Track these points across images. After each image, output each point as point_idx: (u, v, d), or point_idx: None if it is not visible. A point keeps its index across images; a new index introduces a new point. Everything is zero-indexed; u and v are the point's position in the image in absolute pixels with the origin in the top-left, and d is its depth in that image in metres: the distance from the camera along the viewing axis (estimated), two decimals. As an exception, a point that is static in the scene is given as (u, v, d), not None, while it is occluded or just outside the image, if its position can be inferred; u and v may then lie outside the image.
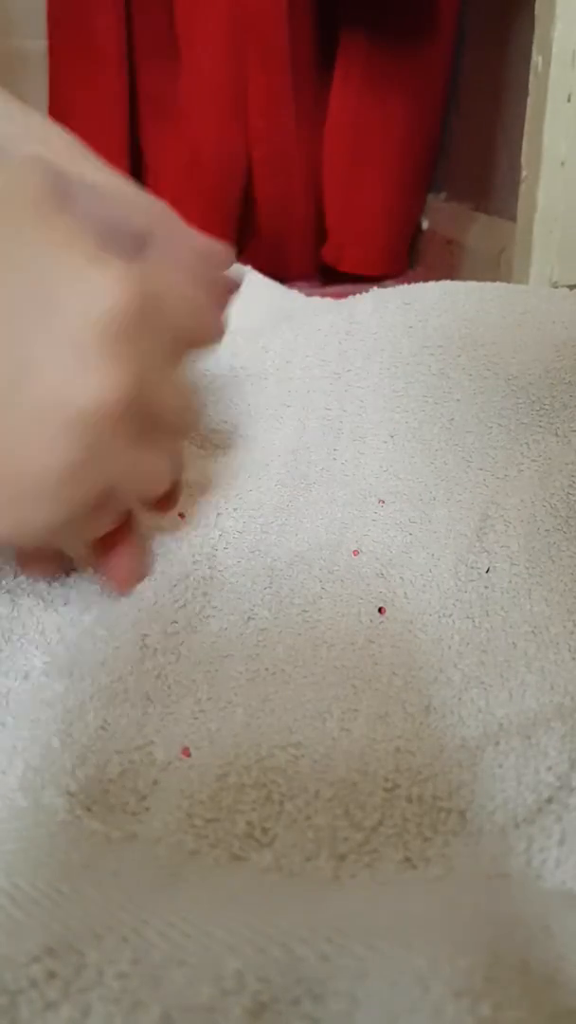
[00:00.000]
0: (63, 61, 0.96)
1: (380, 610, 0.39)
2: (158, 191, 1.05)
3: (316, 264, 1.09)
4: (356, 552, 0.43)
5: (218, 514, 0.46)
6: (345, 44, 0.99)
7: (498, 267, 0.89)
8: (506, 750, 0.31)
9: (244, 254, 1.04)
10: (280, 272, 0.98)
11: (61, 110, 0.98)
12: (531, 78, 0.76)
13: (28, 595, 0.39)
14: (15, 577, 0.40)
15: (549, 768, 0.30)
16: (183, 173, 0.99)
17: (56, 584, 0.40)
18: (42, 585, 0.39)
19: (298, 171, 1.03)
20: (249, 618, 0.39)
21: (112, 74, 0.96)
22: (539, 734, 0.32)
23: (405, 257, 1.11)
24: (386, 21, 0.98)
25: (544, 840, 0.28)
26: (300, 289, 0.89)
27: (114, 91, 0.96)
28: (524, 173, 0.78)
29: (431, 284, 0.58)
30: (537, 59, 0.75)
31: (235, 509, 0.46)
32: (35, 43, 0.97)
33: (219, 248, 0.40)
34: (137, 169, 1.01)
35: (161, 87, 0.98)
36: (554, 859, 0.28)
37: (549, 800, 0.29)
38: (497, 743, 0.32)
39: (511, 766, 0.31)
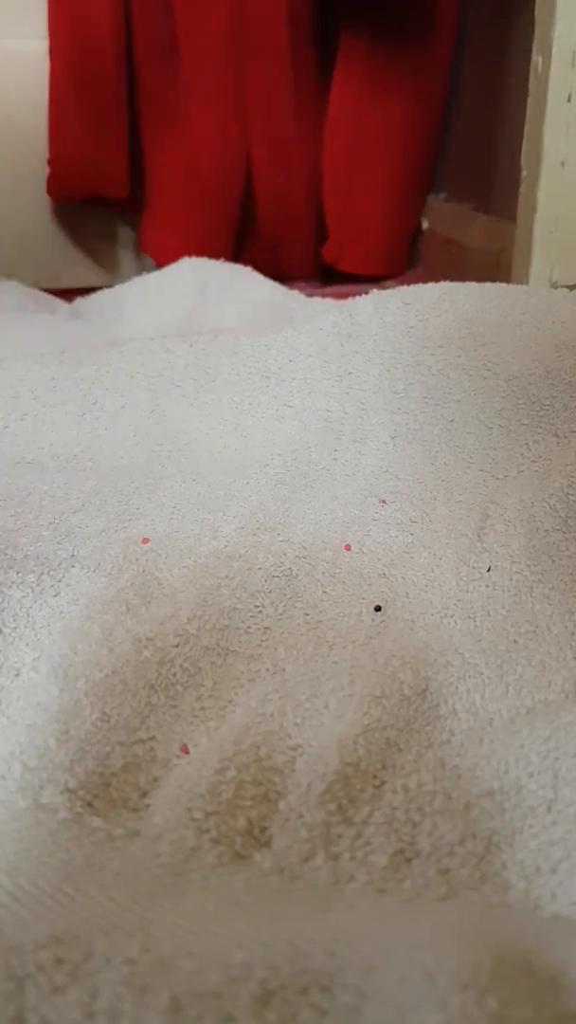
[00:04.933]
0: (63, 61, 0.96)
1: (376, 608, 0.40)
2: (158, 192, 1.05)
3: (316, 264, 1.09)
4: (348, 547, 0.43)
5: (218, 514, 0.46)
6: (345, 43, 0.99)
7: (498, 267, 0.89)
8: (488, 752, 0.31)
9: (244, 254, 1.04)
10: (280, 272, 0.98)
11: (60, 111, 0.98)
12: (531, 78, 0.76)
13: (18, 587, 0.39)
14: (4, 570, 0.40)
15: (531, 775, 0.30)
16: (183, 174, 0.99)
17: (46, 576, 0.40)
18: (32, 577, 0.39)
19: (298, 171, 1.03)
20: (253, 616, 0.39)
21: (112, 75, 0.96)
22: (523, 734, 0.32)
23: (405, 257, 1.11)
24: (386, 21, 0.98)
25: (541, 862, 0.28)
26: (300, 289, 0.89)
27: (113, 91, 0.96)
28: (524, 173, 0.78)
29: (431, 284, 0.58)
30: (537, 59, 0.75)
31: (235, 513, 0.46)
32: (36, 43, 0.97)
33: None
34: (137, 170, 1.01)
35: (161, 88, 0.98)
36: (550, 890, 0.28)
37: (534, 811, 0.29)
38: (481, 740, 0.32)
39: (492, 768, 0.31)
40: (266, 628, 0.38)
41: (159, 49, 0.97)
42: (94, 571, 0.40)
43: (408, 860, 0.28)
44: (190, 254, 0.90)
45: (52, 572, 0.40)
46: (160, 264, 0.98)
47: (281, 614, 0.39)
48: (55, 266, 1.03)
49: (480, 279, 0.59)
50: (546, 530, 0.43)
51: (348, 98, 1.01)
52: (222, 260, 0.90)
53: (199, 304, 0.81)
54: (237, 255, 1.03)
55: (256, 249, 1.05)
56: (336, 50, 1.01)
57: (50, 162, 0.99)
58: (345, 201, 1.05)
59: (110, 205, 1.02)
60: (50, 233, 1.03)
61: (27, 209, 1.01)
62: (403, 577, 0.42)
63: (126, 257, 1.08)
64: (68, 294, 0.94)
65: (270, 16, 0.94)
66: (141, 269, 1.06)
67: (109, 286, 0.92)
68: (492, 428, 0.50)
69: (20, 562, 0.41)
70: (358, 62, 1.00)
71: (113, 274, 1.06)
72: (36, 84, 0.98)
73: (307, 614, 0.39)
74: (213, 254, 0.91)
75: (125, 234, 1.07)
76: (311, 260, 1.09)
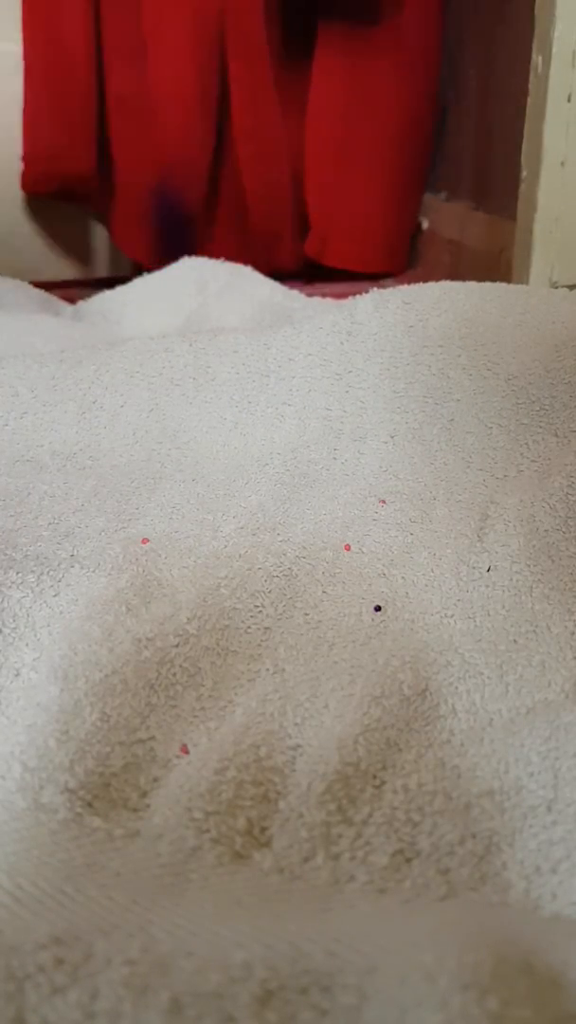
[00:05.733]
0: (36, 63, 0.98)
1: (376, 608, 0.40)
2: (127, 192, 1.06)
3: (312, 262, 1.09)
4: (348, 547, 0.43)
5: (218, 513, 0.46)
6: (322, 37, 1.00)
7: (498, 267, 0.89)
8: (488, 752, 0.31)
9: (241, 254, 1.04)
10: (274, 270, 0.98)
11: (34, 110, 1.00)
12: (531, 78, 0.76)
13: (17, 587, 0.39)
14: (4, 570, 0.40)
15: (531, 775, 0.30)
16: (151, 173, 1.00)
17: (46, 576, 0.40)
18: (32, 577, 0.39)
19: (287, 167, 1.03)
20: (253, 616, 0.39)
21: (83, 75, 0.98)
22: (523, 734, 0.32)
23: (402, 255, 1.11)
24: (357, 10, 0.99)
25: (541, 862, 0.28)
26: (298, 288, 0.89)
27: (84, 91, 0.98)
28: (524, 173, 0.78)
29: (431, 284, 0.58)
30: (537, 59, 0.75)
31: (235, 513, 0.46)
32: (10, 46, 0.99)
33: None
34: (107, 169, 1.02)
35: (130, 87, 0.99)
36: (551, 890, 0.27)
37: (534, 811, 0.29)
38: (481, 740, 0.32)
39: (492, 768, 0.31)
40: (266, 628, 0.38)
41: (128, 49, 0.99)
42: (94, 571, 0.40)
43: (408, 860, 0.28)
44: (158, 248, 0.91)
45: (52, 572, 0.40)
46: (130, 257, 1.01)
47: (281, 614, 0.39)
48: (29, 260, 1.05)
49: (480, 279, 0.59)
50: (546, 530, 0.43)
51: (330, 91, 1.02)
52: (206, 256, 0.91)
53: (199, 304, 0.81)
54: (235, 255, 1.03)
55: (249, 247, 1.05)
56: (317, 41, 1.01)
57: (23, 158, 1.01)
58: (327, 194, 1.05)
59: (83, 200, 1.04)
60: (24, 227, 1.05)
61: (2, 204, 1.03)
62: (403, 577, 0.42)
63: (100, 250, 1.09)
64: (43, 287, 0.95)
65: (246, 11, 0.95)
66: (113, 261, 1.08)
67: (83, 279, 0.92)
68: (492, 428, 0.50)
69: (20, 562, 0.41)
70: (336, 54, 1.01)
71: (87, 267, 1.07)
72: (10, 85, 1.00)
73: (307, 614, 0.39)
74: (180, 249, 0.93)
75: (98, 228, 1.09)
76: (305, 257, 1.09)
